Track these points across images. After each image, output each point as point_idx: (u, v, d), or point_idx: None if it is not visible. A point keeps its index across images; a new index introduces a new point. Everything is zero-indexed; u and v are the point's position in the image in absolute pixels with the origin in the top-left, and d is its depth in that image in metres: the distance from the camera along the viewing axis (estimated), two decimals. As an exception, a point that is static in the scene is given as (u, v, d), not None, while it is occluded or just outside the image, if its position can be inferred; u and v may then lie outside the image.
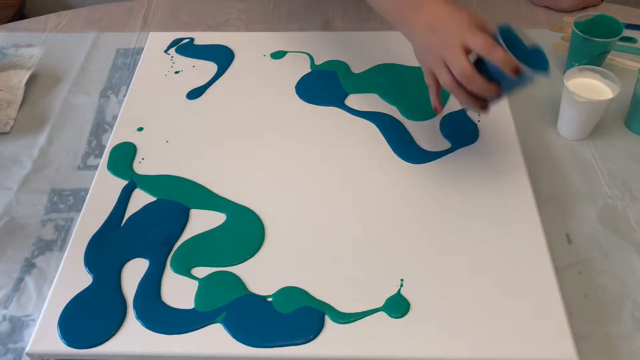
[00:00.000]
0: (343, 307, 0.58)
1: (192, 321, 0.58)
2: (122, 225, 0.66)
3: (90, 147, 0.78)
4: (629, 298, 0.61)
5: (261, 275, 0.61)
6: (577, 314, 0.59)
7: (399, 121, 0.77)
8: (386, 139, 0.75)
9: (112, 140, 0.75)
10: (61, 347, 0.56)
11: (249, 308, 0.59)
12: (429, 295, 0.59)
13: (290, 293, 0.60)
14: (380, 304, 0.58)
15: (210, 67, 0.86)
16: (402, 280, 0.60)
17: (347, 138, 0.75)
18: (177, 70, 0.85)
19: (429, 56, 0.63)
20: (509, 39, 0.59)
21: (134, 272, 0.62)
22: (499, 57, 0.57)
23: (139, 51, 0.91)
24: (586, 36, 0.78)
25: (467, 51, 0.60)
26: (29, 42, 0.94)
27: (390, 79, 0.83)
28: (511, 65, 0.58)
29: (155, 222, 0.66)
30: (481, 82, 0.60)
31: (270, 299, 0.59)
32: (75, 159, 0.76)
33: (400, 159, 0.72)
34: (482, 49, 0.58)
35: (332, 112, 0.79)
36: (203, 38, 0.91)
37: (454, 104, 0.79)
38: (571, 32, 0.80)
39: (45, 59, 0.91)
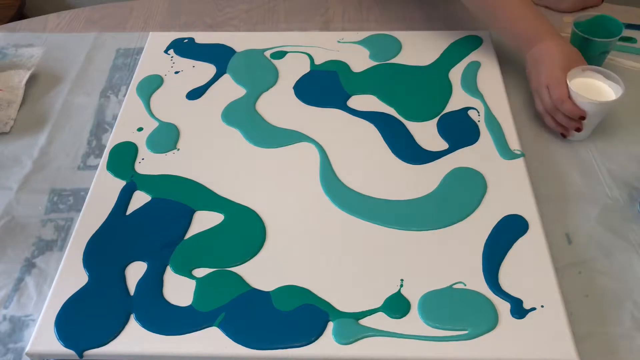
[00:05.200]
0: (343, 307, 0.58)
1: (192, 322, 0.58)
2: (122, 225, 0.66)
3: (90, 147, 0.78)
4: (629, 298, 0.61)
5: (261, 275, 0.61)
6: (577, 314, 0.59)
7: (399, 121, 0.77)
8: (385, 139, 0.75)
9: (112, 140, 0.75)
10: (61, 347, 0.56)
11: (249, 307, 0.59)
12: (429, 295, 0.59)
13: (291, 291, 0.60)
14: (380, 304, 0.58)
15: (210, 68, 0.86)
16: (402, 280, 0.60)
17: (347, 138, 0.75)
18: (177, 71, 0.85)
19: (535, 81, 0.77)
20: None
21: (133, 272, 0.62)
22: (566, 109, 0.72)
23: (139, 51, 0.91)
24: (586, 36, 0.78)
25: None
26: (29, 42, 0.94)
27: (390, 80, 0.83)
28: (577, 114, 0.72)
29: (157, 223, 0.66)
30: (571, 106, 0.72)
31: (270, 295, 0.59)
32: (75, 159, 0.76)
33: (401, 160, 0.72)
34: (556, 101, 0.72)
35: (332, 113, 0.79)
36: (203, 38, 0.91)
37: (453, 104, 0.79)
38: (571, 32, 0.80)
39: (45, 59, 0.91)
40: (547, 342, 0.55)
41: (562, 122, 0.74)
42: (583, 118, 0.72)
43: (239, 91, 0.82)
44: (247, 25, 0.97)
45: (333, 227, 0.66)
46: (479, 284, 0.60)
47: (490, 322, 0.57)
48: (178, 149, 0.75)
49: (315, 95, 0.81)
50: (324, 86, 0.82)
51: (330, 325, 0.57)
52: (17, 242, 0.68)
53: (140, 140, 0.76)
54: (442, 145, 0.74)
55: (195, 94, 0.82)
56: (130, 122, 0.78)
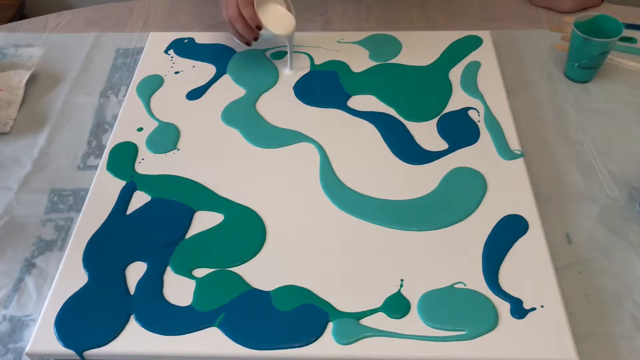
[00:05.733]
0: (343, 307, 0.58)
1: (192, 322, 0.58)
2: (122, 225, 0.66)
3: (90, 147, 0.78)
4: (629, 298, 0.61)
5: (261, 275, 0.61)
6: (577, 314, 0.59)
7: (399, 121, 0.77)
8: (385, 139, 0.75)
9: (112, 140, 0.75)
10: (61, 348, 0.56)
11: (249, 307, 0.59)
12: (429, 295, 0.59)
13: (291, 291, 0.60)
14: (380, 304, 0.58)
15: (210, 68, 0.86)
16: (402, 280, 0.60)
17: (347, 138, 0.75)
18: (177, 71, 0.85)
19: None
20: None
21: (133, 272, 0.62)
22: (247, 13, 0.76)
23: (139, 51, 0.91)
24: (586, 36, 0.78)
25: None
26: (29, 42, 0.94)
27: (390, 80, 0.83)
28: (255, 22, 0.77)
29: (157, 223, 0.66)
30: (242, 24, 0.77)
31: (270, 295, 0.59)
32: (75, 159, 0.76)
33: (401, 160, 0.72)
34: (241, 4, 0.76)
35: (332, 113, 0.79)
36: (203, 38, 0.91)
37: (453, 104, 0.79)
38: (571, 32, 0.80)
39: (45, 59, 0.91)
40: (547, 342, 0.55)
41: (242, 31, 0.78)
42: (259, 28, 0.77)
43: (239, 91, 0.82)
44: (247, 25, 0.96)
45: (333, 227, 0.66)
46: (478, 284, 0.60)
47: (490, 322, 0.57)
48: (178, 149, 0.75)
49: (315, 95, 0.81)
50: (324, 86, 0.82)
51: (330, 326, 0.57)
52: (17, 242, 0.68)
53: (140, 140, 0.76)
54: (442, 145, 0.74)
55: (195, 94, 0.82)
56: (130, 122, 0.78)
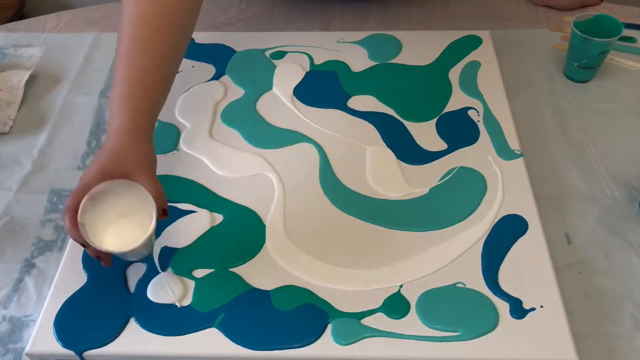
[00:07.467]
0: (343, 307, 0.58)
1: (191, 323, 0.58)
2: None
3: (90, 147, 0.78)
4: (629, 298, 0.61)
5: (261, 275, 0.61)
6: (577, 314, 0.59)
7: (399, 122, 0.77)
8: (385, 140, 0.74)
9: (111, 141, 0.75)
10: (60, 348, 0.56)
11: (249, 307, 0.59)
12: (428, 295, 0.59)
13: (291, 291, 0.60)
14: (380, 304, 0.58)
15: (210, 68, 0.86)
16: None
17: (347, 138, 0.75)
18: (177, 71, 0.85)
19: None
20: None
21: (133, 272, 0.62)
22: (74, 237, 0.55)
23: (138, 51, 0.91)
24: (586, 36, 0.78)
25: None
26: (29, 42, 0.94)
27: (389, 80, 0.83)
28: (94, 254, 0.56)
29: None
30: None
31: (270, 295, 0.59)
32: (75, 159, 0.76)
33: (400, 160, 0.72)
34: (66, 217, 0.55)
35: (332, 113, 0.79)
36: (203, 38, 0.91)
37: (453, 104, 0.79)
38: (571, 31, 0.80)
39: (45, 59, 0.91)
40: (546, 342, 0.55)
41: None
42: (85, 245, 0.56)
43: (239, 91, 0.82)
44: (247, 25, 0.96)
45: (333, 227, 0.65)
46: (478, 284, 0.60)
47: (489, 322, 0.57)
48: (178, 149, 0.75)
49: (315, 95, 0.81)
50: (324, 86, 0.82)
51: (330, 326, 0.57)
52: (16, 242, 0.68)
53: (139, 140, 0.75)
54: (442, 145, 0.74)
55: (195, 94, 0.82)
56: (129, 122, 0.78)
